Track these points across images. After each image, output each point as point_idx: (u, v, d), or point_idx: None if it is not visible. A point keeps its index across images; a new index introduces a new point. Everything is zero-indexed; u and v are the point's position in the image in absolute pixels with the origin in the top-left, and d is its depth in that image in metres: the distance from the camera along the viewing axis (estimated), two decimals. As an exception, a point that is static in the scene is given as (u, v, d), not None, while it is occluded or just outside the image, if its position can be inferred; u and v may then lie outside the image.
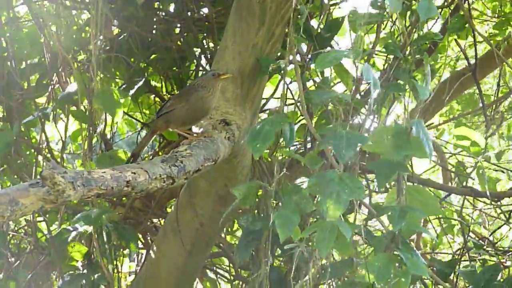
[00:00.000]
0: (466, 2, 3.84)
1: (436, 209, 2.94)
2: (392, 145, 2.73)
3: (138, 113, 4.86)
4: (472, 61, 4.21)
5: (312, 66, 3.81)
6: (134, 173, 2.50)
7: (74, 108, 4.15)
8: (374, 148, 2.87)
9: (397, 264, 2.66)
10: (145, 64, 4.52)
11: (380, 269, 2.64)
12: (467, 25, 3.73)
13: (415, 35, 3.01)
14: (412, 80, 2.88)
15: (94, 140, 4.14)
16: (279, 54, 3.77)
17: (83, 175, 2.30)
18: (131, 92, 4.01)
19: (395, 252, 2.67)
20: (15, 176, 4.44)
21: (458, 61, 5.23)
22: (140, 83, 3.92)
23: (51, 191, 2.18)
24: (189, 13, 4.38)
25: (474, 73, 4.02)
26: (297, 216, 2.72)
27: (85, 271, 3.96)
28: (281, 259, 4.40)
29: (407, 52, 2.96)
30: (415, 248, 2.76)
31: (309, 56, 3.79)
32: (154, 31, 4.47)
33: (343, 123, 2.88)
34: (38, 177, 2.22)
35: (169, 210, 4.91)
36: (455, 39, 4.37)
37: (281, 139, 3.96)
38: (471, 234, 4.67)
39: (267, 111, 4.61)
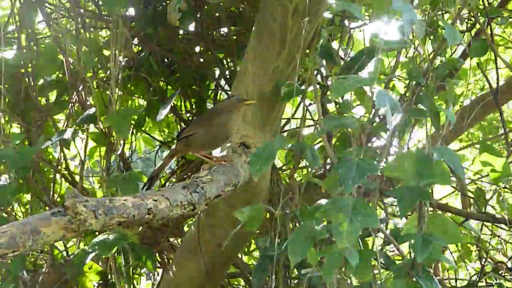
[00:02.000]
0: (488, 26, 3.80)
1: (457, 237, 2.90)
2: (414, 171, 2.71)
3: (156, 131, 4.85)
4: (494, 85, 4.17)
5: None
6: (155, 200, 2.49)
7: (92, 126, 4.16)
8: (395, 173, 2.85)
9: None
10: (165, 83, 4.51)
11: None
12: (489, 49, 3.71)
13: (437, 61, 3.00)
14: (435, 105, 2.86)
15: (112, 158, 4.14)
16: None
17: (105, 203, 2.30)
18: (160, 117, 3.98)
19: (414, 279, 2.66)
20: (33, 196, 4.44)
21: (482, 90, 5.19)
22: (168, 107, 3.89)
23: (73, 220, 2.18)
24: (209, 33, 4.37)
25: (495, 97, 3.99)
26: (309, 242, 2.71)
27: (102, 291, 3.96)
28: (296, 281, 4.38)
29: (429, 78, 2.95)
30: (434, 275, 2.73)
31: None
32: (174, 50, 4.46)
33: (360, 148, 2.87)
34: (60, 206, 2.22)
35: (186, 228, 4.90)
36: (477, 63, 4.34)
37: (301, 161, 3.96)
38: (488, 259, 4.62)
39: (287, 132, 4.60)
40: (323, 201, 2.92)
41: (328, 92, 4.03)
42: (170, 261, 4.71)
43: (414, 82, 3.03)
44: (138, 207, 2.40)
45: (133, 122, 4.19)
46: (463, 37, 4.09)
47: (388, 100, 2.63)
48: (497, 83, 4.03)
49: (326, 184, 2.96)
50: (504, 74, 5.16)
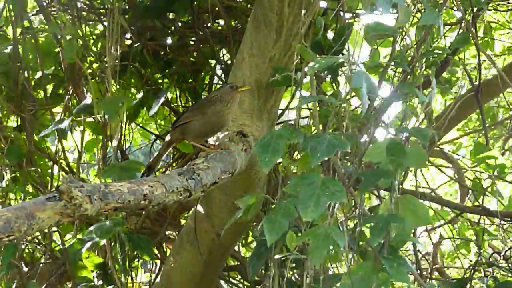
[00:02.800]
0: (472, 20, 3.77)
1: (426, 219, 2.91)
2: (387, 155, 2.74)
3: (152, 124, 4.86)
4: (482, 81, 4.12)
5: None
6: (151, 186, 2.48)
7: (90, 119, 4.15)
8: (373, 159, 2.89)
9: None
10: (160, 76, 4.51)
11: (362, 278, 2.64)
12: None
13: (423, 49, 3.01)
14: (413, 90, 2.86)
15: (108, 148, 4.13)
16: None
17: (100, 188, 2.29)
18: (152, 111, 3.97)
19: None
20: (29, 186, 4.43)
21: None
22: (160, 100, 3.88)
23: (68, 205, 2.17)
24: (204, 25, 4.36)
25: (476, 94, 3.92)
26: (285, 220, 2.68)
27: (99, 282, 3.95)
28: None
29: (416, 66, 2.96)
30: (402, 256, 2.72)
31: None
32: (169, 42, 4.46)
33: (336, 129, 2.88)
34: (55, 190, 2.21)
35: (183, 221, 4.90)
36: (459, 57, 4.30)
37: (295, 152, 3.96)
38: (487, 248, 4.62)
39: (282, 123, 4.60)
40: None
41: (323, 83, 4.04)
42: (168, 253, 4.72)
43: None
44: (133, 193, 2.39)
45: (126, 113, 4.17)
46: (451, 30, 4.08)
47: (365, 81, 2.64)
48: (479, 79, 3.97)
49: (300, 163, 2.97)
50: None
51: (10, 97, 4.32)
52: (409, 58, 3.14)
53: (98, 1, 4.42)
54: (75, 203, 2.17)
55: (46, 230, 4.23)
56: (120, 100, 3.73)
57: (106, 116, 3.77)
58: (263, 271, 3.81)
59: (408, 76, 3.00)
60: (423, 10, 3.11)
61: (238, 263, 4.84)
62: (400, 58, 2.92)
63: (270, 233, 2.68)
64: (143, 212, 4.48)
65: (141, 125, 4.88)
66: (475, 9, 3.66)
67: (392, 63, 2.98)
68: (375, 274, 2.63)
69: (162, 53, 4.48)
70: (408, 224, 2.73)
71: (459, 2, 3.66)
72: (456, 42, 3.46)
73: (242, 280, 4.99)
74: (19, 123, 4.46)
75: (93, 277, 3.98)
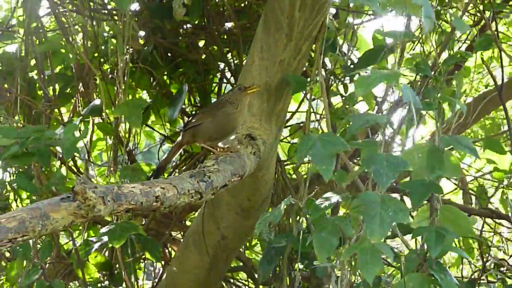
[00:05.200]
0: (494, 21, 3.80)
1: (468, 230, 2.92)
2: (425, 164, 2.72)
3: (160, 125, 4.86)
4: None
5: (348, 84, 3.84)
6: (163, 188, 2.49)
7: (99, 120, 4.16)
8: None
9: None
10: (169, 76, 4.52)
11: None
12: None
13: (443, 55, 3.02)
14: (444, 98, 2.87)
15: (119, 151, 4.14)
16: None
17: (113, 190, 2.30)
18: (174, 116, 3.97)
19: (428, 273, 2.66)
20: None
21: (486, 88, 5.18)
22: (180, 104, 3.88)
23: (82, 205, 2.18)
24: (214, 27, 4.37)
25: (500, 93, 3.97)
26: (336, 238, 2.69)
27: (106, 282, 3.96)
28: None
29: (438, 71, 2.96)
30: (446, 267, 2.74)
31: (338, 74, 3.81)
32: (179, 44, 4.47)
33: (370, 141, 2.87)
34: (69, 192, 2.22)
35: (188, 223, 4.91)
36: (482, 59, 4.33)
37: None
38: (490, 257, 4.63)
39: (290, 127, 4.62)
40: (329, 195, 2.94)
41: (333, 87, 4.06)
42: (173, 255, 4.73)
43: (421, 76, 3.05)
44: (146, 195, 2.41)
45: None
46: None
47: (412, 95, 2.64)
48: (502, 79, 4.02)
49: (336, 177, 2.97)
50: (508, 71, 5.16)
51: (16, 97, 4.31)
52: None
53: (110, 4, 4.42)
54: (89, 204, 2.18)
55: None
56: (137, 103, 3.75)
57: (117, 119, 3.79)
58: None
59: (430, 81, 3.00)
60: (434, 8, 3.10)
61: (242, 264, 4.84)
62: (422, 63, 2.92)
63: (320, 251, 2.69)
64: (150, 214, 4.49)
65: (150, 126, 4.87)
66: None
67: (410, 70, 2.98)
68: (426, 285, 2.64)
69: (171, 54, 4.49)
70: (453, 236, 2.74)
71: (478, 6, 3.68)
72: (478, 45, 3.47)
73: (249, 280, 4.99)
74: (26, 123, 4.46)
75: (100, 277, 4.00)
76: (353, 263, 2.82)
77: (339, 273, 2.95)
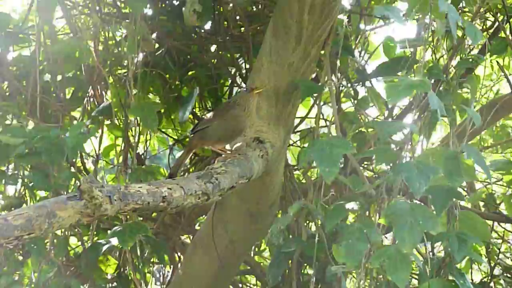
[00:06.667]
0: (508, 24, 3.78)
1: (487, 234, 2.93)
2: (443, 170, 2.72)
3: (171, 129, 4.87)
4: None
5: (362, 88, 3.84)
6: (170, 188, 2.51)
7: (108, 122, 4.18)
8: None
9: None
10: (180, 81, 4.53)
11: None
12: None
13: (457, 59, 3.01)
14: (457, 101, 2.87)
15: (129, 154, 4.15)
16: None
17: (120, 189, 2.32)
18: (184, 118, 3.99)
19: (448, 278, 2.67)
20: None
21: (497, 94, 5.16)
22: (190, 107, 3.88)
23: (89, 204, 2.20)
24: (225, 31, 4.39)
25: None
26: (364, 244, 2.70)
27: (115, 284, 3.96)
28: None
29: (450, 74, 2.97)
30: (463, 272, 2.75)
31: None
32: (190, 48, 4.49)
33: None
34: (76, 191, 2.24)
35: (197, 227, 4.91)
36: (498, 63, 4.32)
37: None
38: (498, 262, 4.61)
39: (299, 132, 4.62)
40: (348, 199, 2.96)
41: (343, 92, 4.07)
42: (181, 258, 4.73)
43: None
44: (153, 195, 2.42)
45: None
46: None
47: (437, 101, 2.64)
48: None
49: (350, 181, 2.98)
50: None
51: (31, 101, 4.33)
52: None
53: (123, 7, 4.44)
54: (96, 203, 2.20)
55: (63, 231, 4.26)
56: (151, 106, 3.77)
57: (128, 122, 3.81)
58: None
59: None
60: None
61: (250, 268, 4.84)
62: (435, 67, 2.91)
63: (349, 258, 2.71)
64: (160, 216, 4.50)
65: (161, 130, 4.88)
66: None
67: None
68: None
69: (183, 59, 4.50)
70: (473, 241, 2.75)
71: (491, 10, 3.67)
72: (493, 50, 3.45)
73: (257, 283, 4.98)
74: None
75: (109, 278, 4.01)
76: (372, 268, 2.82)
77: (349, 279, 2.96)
